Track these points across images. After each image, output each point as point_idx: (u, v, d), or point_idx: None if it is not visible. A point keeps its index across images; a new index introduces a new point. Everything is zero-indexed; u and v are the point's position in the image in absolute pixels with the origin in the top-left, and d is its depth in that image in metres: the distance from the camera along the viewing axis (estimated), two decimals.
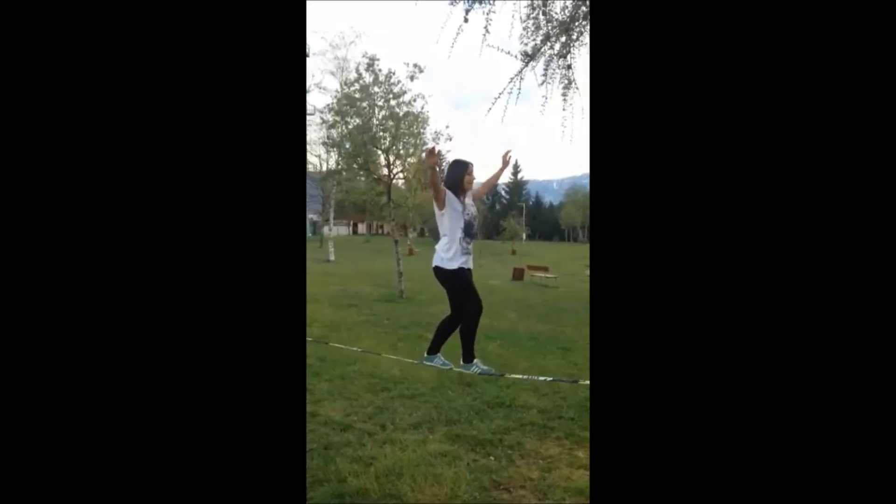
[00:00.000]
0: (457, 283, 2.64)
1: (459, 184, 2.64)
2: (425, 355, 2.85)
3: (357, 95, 9.65)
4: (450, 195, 2.61)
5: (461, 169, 2.66)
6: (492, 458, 2.64)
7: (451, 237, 2.62)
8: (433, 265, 2.67)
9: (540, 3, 3.57)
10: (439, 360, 2.80)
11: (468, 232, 2.65)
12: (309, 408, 3.20)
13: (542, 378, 3.29)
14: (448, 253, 2.60)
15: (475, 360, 2.73)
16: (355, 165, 10.47)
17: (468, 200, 2.68)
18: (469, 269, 2.67)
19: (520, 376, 3.53)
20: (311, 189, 20.68)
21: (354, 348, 4.56)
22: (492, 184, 3.14)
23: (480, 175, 2.87)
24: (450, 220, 2.62)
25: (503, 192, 66.31)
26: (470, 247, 2.67)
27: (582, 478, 2.41)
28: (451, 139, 10.03)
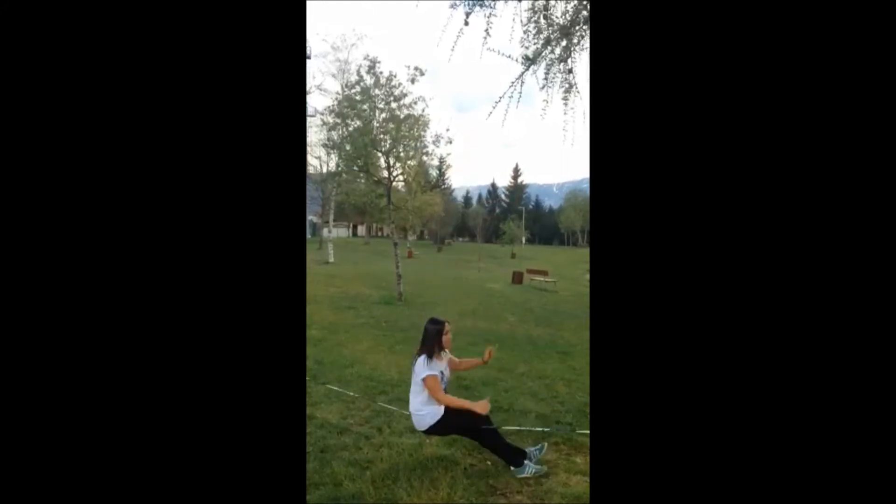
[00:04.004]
0: (451, 422, 2.51)
1: (437, 343, 2.55)
2: (512, 468, 2.54)
3: (358, 98, 9.65)
4: (433, 363, 2.51)
5: (438, 327, 2.57)
6: (489, 462, 2.63)
7: (425, 399, 2.51)
8: (421, 430, 2.55)
9: (541, 6, 3.58)
10: (531, 467, 2.52)
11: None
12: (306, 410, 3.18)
13: (538, 429, 3.05)
14: (427, 407, 2.50)
15: (525, 462, 2.53)
16: (355, 167, 10.46)
17: (444, 361, 2.60)
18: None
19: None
20: (311, 191, 20.69)
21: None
22: (465, 367, 2.89)
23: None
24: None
25: (503, 196, 66.40)
26: None
27: (579, 483, 2.40)
28: (451, 142, 9.99)
